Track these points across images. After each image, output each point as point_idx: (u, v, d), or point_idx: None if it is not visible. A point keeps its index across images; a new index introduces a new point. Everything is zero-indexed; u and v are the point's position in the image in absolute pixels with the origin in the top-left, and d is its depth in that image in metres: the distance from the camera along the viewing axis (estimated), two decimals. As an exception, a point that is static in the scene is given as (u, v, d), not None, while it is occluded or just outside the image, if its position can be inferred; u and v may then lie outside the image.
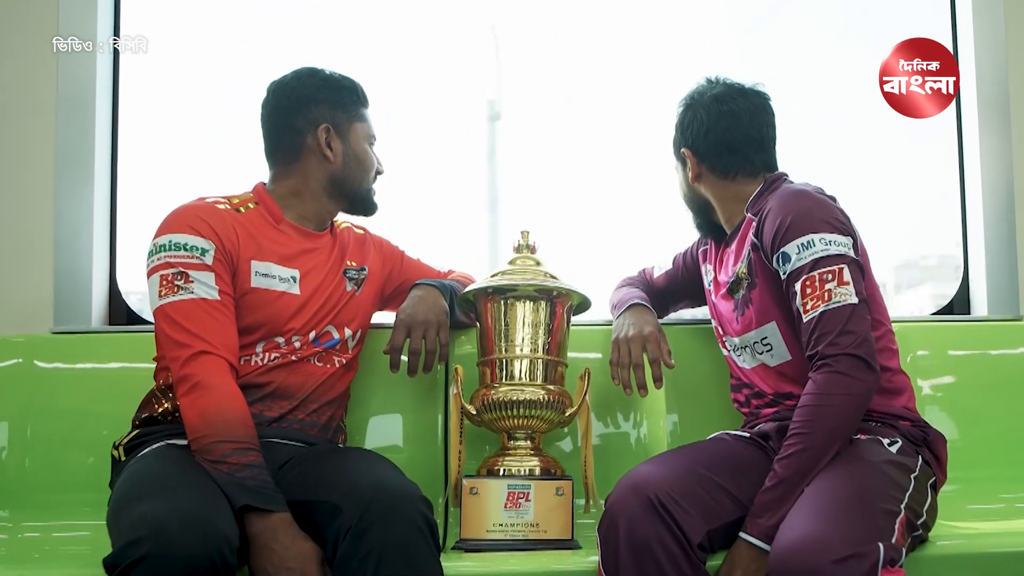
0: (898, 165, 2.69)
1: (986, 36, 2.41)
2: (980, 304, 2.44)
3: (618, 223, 2.73)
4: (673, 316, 2.16)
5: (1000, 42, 2.46)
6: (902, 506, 1.50)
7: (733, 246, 1.82)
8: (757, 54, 2.71)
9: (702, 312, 2.01)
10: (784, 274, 1.65)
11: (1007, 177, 2.45)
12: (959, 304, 2.49)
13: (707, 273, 1.94)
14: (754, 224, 1.73)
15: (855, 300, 1.59)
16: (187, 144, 2.51)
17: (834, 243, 1.62)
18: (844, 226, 1.66)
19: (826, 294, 1.59)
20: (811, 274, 1.61)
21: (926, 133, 2.60)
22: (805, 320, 1.61)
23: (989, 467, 2.08)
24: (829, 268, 1.60)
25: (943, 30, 2.52)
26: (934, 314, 2.51)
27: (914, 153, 2.68)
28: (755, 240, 1.72)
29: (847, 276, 1.60)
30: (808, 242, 1.62)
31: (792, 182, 1.79)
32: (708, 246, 1.96)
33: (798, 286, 1.62)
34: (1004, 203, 2.45)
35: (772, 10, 2.72)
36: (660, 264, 2.08)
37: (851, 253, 1.63)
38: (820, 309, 1.59)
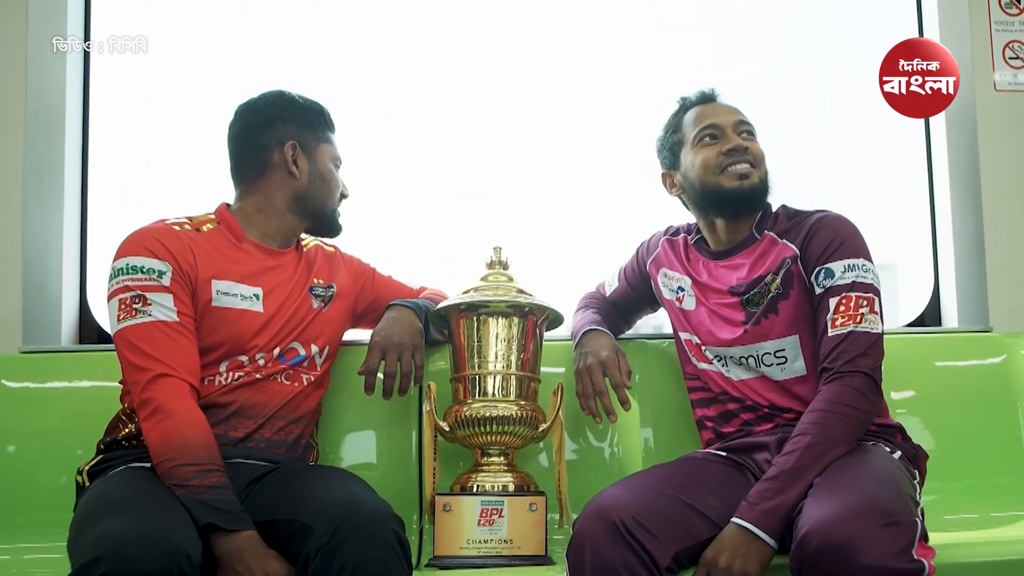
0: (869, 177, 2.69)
1: (952, 48, 2.42)
2: (951, 316, 2.47)
3: (598, 232, 2.70)
4: (646, 330, 2.16)
5: (966, 55, 2.49)
6: (919, 497, 1.54)
7: (740, 257, 1.83)
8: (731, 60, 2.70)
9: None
10: (821, 288, 1.70)
11: (975, 189, 2.48)
12: (930, 316, 2.52)
13: (672, 279, 1.93)
14: (790, 240, 1.77)
15: (879, 331, 1.66)
16: (160, 159, 2.48)
17: (871, 272, 1.70)
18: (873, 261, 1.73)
19: (858, 316, 1.66)
20: (848, 294, 1.67)
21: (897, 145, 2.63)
22: (830, 335, 1.66)
23: (963, 478, 2.08)
24: (865, 295, 1.67)
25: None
26: (906, 326, 2.53)
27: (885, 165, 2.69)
28: (798, 252, 1.76)
29: (877, 307, 1.68)
30: (854, 264, 1.69)
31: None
32: (660, 250, 1.97)
33: (833, 302, 1.68)
34: (973, 215, 2.48)
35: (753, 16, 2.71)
36: (608, 281, 2.09)
37: (879, 288, 1.70)
38: (849, 328, 1.65)
